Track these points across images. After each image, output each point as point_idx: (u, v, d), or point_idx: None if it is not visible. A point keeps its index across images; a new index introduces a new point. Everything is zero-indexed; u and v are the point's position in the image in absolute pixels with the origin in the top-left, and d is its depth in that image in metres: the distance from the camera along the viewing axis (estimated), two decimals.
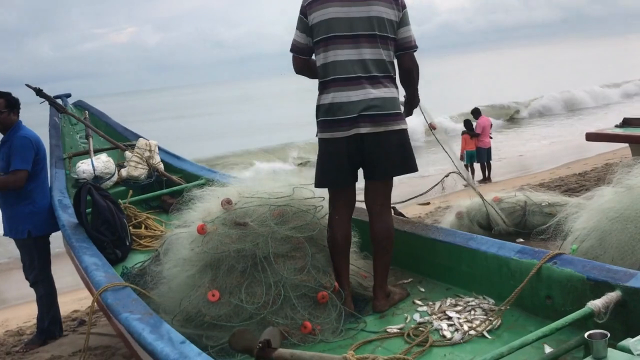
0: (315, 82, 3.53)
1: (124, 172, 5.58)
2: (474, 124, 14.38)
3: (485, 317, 3.15)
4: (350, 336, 3.21)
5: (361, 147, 3.37)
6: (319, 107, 3.47)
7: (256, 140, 22.85)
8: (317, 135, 3.52)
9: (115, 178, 5.55)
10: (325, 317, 3.21)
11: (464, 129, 14.53)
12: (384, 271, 3.48)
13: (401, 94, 3.59)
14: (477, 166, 13.77)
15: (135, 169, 5.51)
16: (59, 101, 6.38)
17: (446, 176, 4.66)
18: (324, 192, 3.58)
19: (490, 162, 13.75)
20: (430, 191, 4.69)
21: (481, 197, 4.95)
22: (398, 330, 3.17)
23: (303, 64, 3.61)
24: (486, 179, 13.35)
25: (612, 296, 2.69)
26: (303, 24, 3.49)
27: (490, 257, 3.36)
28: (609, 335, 2.24)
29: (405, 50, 3.46)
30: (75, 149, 6.05)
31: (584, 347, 2.55)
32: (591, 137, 6.25)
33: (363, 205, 3.61)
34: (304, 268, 3.25)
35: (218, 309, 3.13)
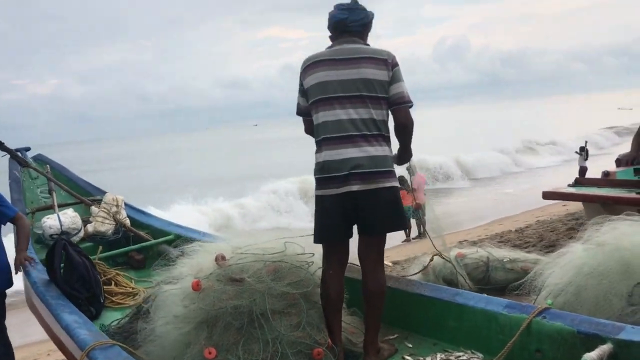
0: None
1: (90, 227, 5.49)
2: (409, 180, 14.62)
3: None
4: None
5: (354, 204, 3.45)
6: (315, 166, 3.58)
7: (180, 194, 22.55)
8: (315, 192, 3.62)
9: (81, 234, 5.45)
10: None
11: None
12: (375, 327, 3.53)
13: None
14: (412, 222, 13.92)
15: (102, 225, 5.43)
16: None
17: (431, 260, 4.84)
18: (313, 247, 3.64)
19: (425, 217, 13.99)
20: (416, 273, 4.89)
21: (451, 262, 5.05)
22: None
23: (309, 124, 3.73)
24: (421, 235, 13.58)
25: (604, 349, 2.81)
26: (301, 88, 3.67)
27: (479, 311, 3.46)
28: None
29: (398, 105, 3.58)
30: (36, 204, 5.92)
31: None
32: (547, 195, 6.54)
33: (352, 262, 3.69)
34: (300, 324, 3.28)
35: None
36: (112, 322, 4.22)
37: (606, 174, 6.38)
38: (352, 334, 3.69)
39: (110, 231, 5.49)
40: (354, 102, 3.49)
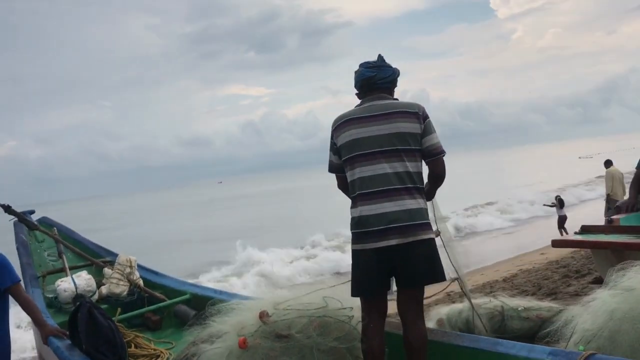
0: None
1: (104, 289, 5.43)
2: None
3: None
4: None
5: (390, 257, 3.50)
6: (352, 220, 3.63)
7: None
8: (352, 247, 3.66)
9: (96, 296, 5.38)
10: None
11: None
12: None
13: None
14: None
15: (117, 286, 5.37)
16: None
17: (452, 281, 4.80)
18: (349, 301, 3.65)
19: None
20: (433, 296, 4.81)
21: (471, 304, 5.09)
22: None
23: (342, 180, 3.84)
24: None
25: None
26: (332, 146, 3.78)
27: None
28: None
29: (433, 157, 3.69)
30: (44, 267, 5.85)
31: None
32: (557, 243, 6.62)
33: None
34: None
35: None
36: None
37: (610, 221, 6.48)
38: None
39: (125, 292, 5.43)
40: (388, 157, 3.58)
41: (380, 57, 3.83)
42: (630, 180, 7.32)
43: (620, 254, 5.83)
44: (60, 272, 5.65)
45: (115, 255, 5.98)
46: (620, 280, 4.07)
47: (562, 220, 17.36)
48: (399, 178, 3.56)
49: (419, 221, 3.55)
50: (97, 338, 4.23)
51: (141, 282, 5.61)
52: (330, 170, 3.84)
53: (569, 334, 4.11)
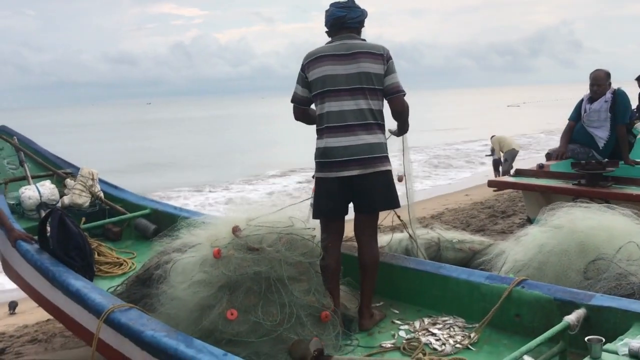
0: None
1: (66, 199, 5.61)
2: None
3: (463, 333, 3.70)
4: (349, 351, 3.64)
5: (350, 185, 3.89)
6: (316, 150, 3.99)
7: None
8: (313, 175, 4.02)
9: (59, 205, 5.57)
10: (327, 334, 3.60)
11: None
12: (370, 294, 3.97)
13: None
14: None
15: (80, 197, 5.57)
16: None
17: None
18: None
19: None
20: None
21: (412, 237, 5.51)
22: (392, 345, 3.64)
23: (301, 113, 4.16)
24: None
25: (580, 312, 3.31)
26: (302, 80, 4.05)
27: (462, 282, 3.93)
28: (604, 339, 2.85)
29: (393, 95, 4.01)
30: (3, 175, 5.96)
31: (560, 356, 3.18)
32: (493, 184, 7.16)
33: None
34: (310, 290, 3.65)
35: (237, 326, 3.43)
36: (108, 289, 4.42)
37: (541, 166, 7.04)
38: (346, 300, 4.08)
39: (87, 204, 5.64)
40: (354, 94, 3.91)
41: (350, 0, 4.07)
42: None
43: (548, 197, 6.38)
44: (22, 180, 5.79)
45: (75, 167, 6.15)
46: (550, 219, 4.55)
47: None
48: (362, 114, 3.90)
49: (378, 154, 3.92)
50: (67, 244, 4.46)
51: (102, 195, 5.82)
52: (293, 100, 4.13)
53: (501, 264, 4.59)
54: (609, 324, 3.24)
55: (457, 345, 3.56)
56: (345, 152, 3.87)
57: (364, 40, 4.06)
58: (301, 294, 3.59)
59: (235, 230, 3.67)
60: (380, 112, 4.01)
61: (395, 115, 4.13)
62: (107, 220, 5.62)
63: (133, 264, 5.09)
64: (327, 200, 3.97)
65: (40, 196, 5.42)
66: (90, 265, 4.57)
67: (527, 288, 3.65)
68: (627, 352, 2.79)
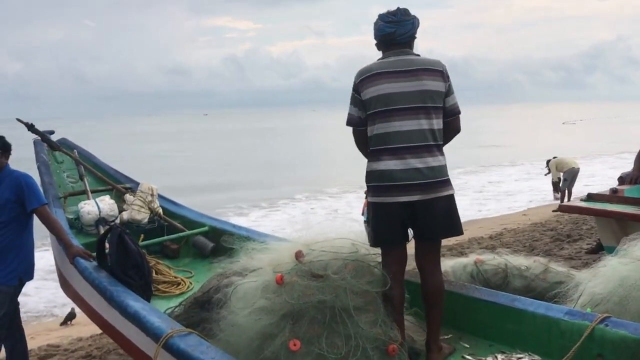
0: None
1: (125, 215, 5.56)
2: None
3: None
4: None
5: (412, 211, 3.67)
6: (372, 173, 3.76)
7: None
8: (368, 198, 3.81)
9: (117, 221, 5.52)
10: None
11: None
12: (437, 326, 3.75)
13: None
14: None
15: (139, 213, 5.51)
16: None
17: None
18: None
19: None
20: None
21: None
22: None
23: (361, 135, 3.88)
24: None
25: None
26: (356, 100, 3.81)
27: (539, 317, 3.68)
28: None
29: (454, 116, 3.84)
30: (63, 189, 5.95)
31: None
32: (564, 208, 6.86)
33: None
34: (376, 321, 3.44)
35: (300, 358, 3.25)
36: (166, 310, 4.31)
37: (614, 190, 6.70)
38: (412, 332, 3.87)
39: (146, 220, 5.58)
40: (416, 113, 3.69)
41: (399, 10, 3.84)
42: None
43: (623, 224, 6.05)
44: (81, 194, 5.77)
45: (134, 182, 6.10)
46: (631, 250, 4.26)
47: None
48: (425, 135, 3.69)
49: (440, 178, 3.71)
50: (126, 262, 4.39)
51: (161, 211, 5.74)
52: (349, 123, 3.89)
53: (577, 296, 4.31)
54: None
55: None
56: (405, 175, 3.64)
57: (419, 55, 3.85)
58: (367, 326, 3.38)
59: (299, 255, 3.51)
60: (441, 132, 3.80)
61: (452, 134, 3.91)
62: (166, 237, 5.55)
63: (191, 283, 4.98)
64: (386, 228, 3.74)
65: (100, 211, 5.38)
66: (149, 284, 4.48)
67: (612, 326, 3.39)
68: None
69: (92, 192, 5.78)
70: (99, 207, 5.38)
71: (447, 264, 6.10)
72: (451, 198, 3.78)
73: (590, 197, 6.50)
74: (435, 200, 3.67)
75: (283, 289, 3.38)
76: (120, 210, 5.66)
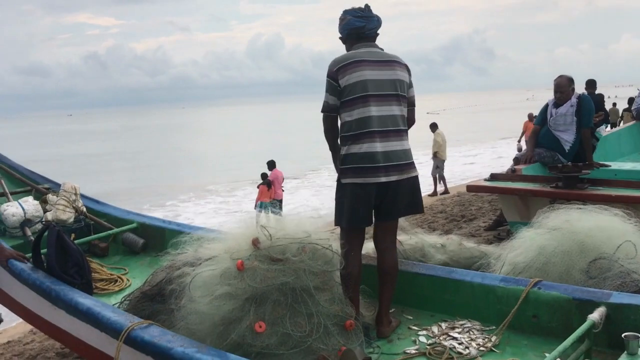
0: None
1: (49, 215, 5.42)
2: (269, 175, 15.59)
3: (483, 336, 3.76)
4: (375, 359, 3.66)
5: (385, 191, 3.91)
6: (349, 155, 3.94)
7: None
8: (342, 180, 3.99)
9: (43, 222, 5.38)
10: (351, 343, 3.60)
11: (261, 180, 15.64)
12: (388, 301, 4.00)
13: None
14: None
15: (64, 213, 5.39)
16: None
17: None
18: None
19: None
20: None
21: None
22: (416, 351, 3.67)
23: (332, 121, 4.07)
24: None
25: (602, 310, 3.42)
26: (332, 87, 3.98)
27: (476, 286, 3.99)
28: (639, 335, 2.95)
29: (413, 106, 4.14)
30: None
31: (585, 354, 3.27)
32: (472, 188, 7.32)
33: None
34: (333, 299, 3.64)
35: (266, 339, 3.39)
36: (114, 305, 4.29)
37: (513, 170, 7.22)
38: (363, 308, 4.08)
39: (72, 219, 5.47)
40: (392, 100, 3.98)
41: (367, 7, 4.09)
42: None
43: (525, 200, 6.55)
44: (2, 196, 5.58)
45: (54, 182, 5.97)
46: (545, 221, 4.67)
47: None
48: (397, 121, 3.99)
49: (411, 160, 4.03)
50: (66, 261, 4.33)
51: (85, 210, 5.66)
52: (326, 110, 4.04)
53: (500, 266, 4.68)
54: (630, 321, 3.33)
55: (481, 348, 3.61)
56: (385, 157, 3.89)
57: (382, 49, 4.10)
58: (327, 304, 3.58)
59: (256, 242, 3.64)
60: (406, 119, 4.10)
61: (408, 125, 4.17)
62: (95, 235, 5.47)
63: (128, 280, 4.97)
64: (364, 207, 3.92)
65: (25, 213, 5.23)
66: (90, 282, 4.44)
67: (544, 289, 3.74)
68: None
69: (12, 194, 5.61)
70: (23, 209, 5.24)
71: (369, 246, 6.39)
72: (417, 179, 4.09)
73: (493, 177, 6.96)
74: (406, 180, 3.96)
75: (245, 274, 3.51)
76: (44, 211, 5.52)
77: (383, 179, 3.86)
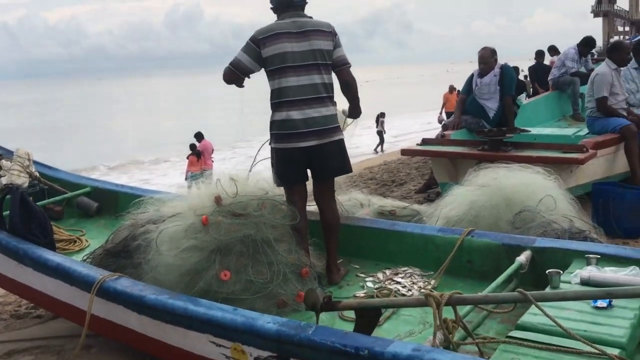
0: None
1: (4, 180, 5.54)
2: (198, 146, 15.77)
3: (423, 280, 4.20)
4: None
5: (309, 155, 4.27)
6: (274, 122, 4.31)
7: None
8: (271, 145, 4.33)
9: None
10: (308, 288, 3.96)
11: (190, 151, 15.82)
12: (335, 251, 4.39)
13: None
14: None
15: (19, 178, 5.52)
16: None
17: None
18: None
19: None
20: None
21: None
22: (365, 294, 4.08)
23: (238, 79, 4.39)
24: None
25: (528, 254, 3.90)
26: (254, 52, 4.29)
27: (416, 236, 4.42)
28: (562, 272, 3.42)
29: (341, 67, 4.43)
30: None
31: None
32: (406, 152, 7.78)
33: None
34: (290, 250, 4.01)
35: (231, 286, 3.73)
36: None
37: (442, 135, 7.75)
38: (314, 259, 4.45)
39: (26, 184, 5.61)
40: (310, 69, 4.27)
41: None
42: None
43: (454, 162, 7.05)
44: None
45: (5, 149, 6.07)
46: (474, 180, 5.13)
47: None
48: (317, 88, 4.30)
49: (332, 125, 4.34)
50: (30, 222, 4.52)
51: (38, 175, 5.80)
52: (235, 66, 4.32)
53: (435, 220, 5.12)
54: (552, 262, 3.78)
55: (422, 290, 4.04)
56: (303, 124, 4.22)
57: (311, 17, 4.40)
58: (285, 253, 3.95)
59: (218, 199, 3.96)
60: (332, 85, 4.42)
61: (344, 86, 4.49)
62: (51, 199, 5.64)
63: (87, 240, 5.19)
64: (289, 169, 4.31)
65: None
66: (53, 242, 4.65)
67: (477, 237, 4.20)
68: (578, 281, 3.37)
69: None
70: None
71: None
72: (342, 142, 4.43)
73: (425, 142, 7.45)
74: (328, 145, 4.29)
75: (209, 228, 3.83)
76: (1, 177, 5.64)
77: (302, 144, 4.23)
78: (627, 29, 73.88)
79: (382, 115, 24.10)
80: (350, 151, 4.56)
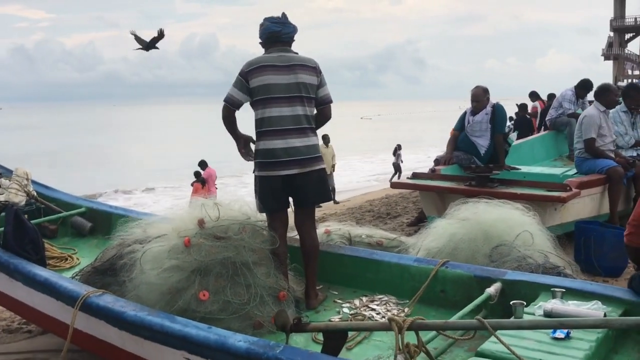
0: None
1: (2, 198, 5.73)
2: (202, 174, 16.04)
3: (398, 308, 4.34)
4: None
5: (291, 183, 4.44)
6: (257, 151, 4.50)
7: None
8: (254, 172, 4.52)
9: None
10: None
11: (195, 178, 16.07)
12: (313, 276, 4.54)
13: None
14: None
15: (16, 196, 5.70)
16: None
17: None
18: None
19: None
20: None
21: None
22: (340, 320, 4.22)
23: (232, 114, 4.57)
24: None
25: (497, 285, 4.04)
26: (243, 85, 4.49)
27: (393, 265, 4.57)
28: (525, 303, 3.56)
29: (325, 104, 4.67)
30: None
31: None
32: (395, 185, 7.96)
33: None
34: (269, 273, 4.17)
35: (209, 306, 3.88)
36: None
37: (433, 170, 7.94)
38: (294, 283, 4.60)
39: (23, 203, 5.79)
40: (293, 101, 4.46)
41: (283, 15, 4.62)
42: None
43: (442, 196, 7.21)
44: None
45: (5, 168, 6.26)
46: (456, 214, 5.29)
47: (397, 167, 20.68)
48: (300, 119, 4.48)
49: (314, 155, 4.53)
50: (23, 238, 4.69)
51: (36, 194, 5.99)
52: (228, 101, 4.50)
53: (416, 252, 5.27)
54: (520, 295, 3.91)
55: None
56: (285, 153, 4.40)
57: (297, 53, 4.61)
58: (263, 277, 4.11)
59: (201, 222, 4.13)
60: (313, 117, 4.61)
61: (323, 120, 4.71)
62: (46, 218, 5.82)
63: (78, 258, 5.35)
64: (272, 197, 4.47)
65: None
66: (44, 259, 4.81)
67: (451, 268, 4.34)
68: (542, 313, 3.51)
69: None
70: None
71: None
72: (322, 171, 4.62)
73: (415, 176, 7.63)
74: (310, 173, 4.47)
75: (191, 250, 4.00)
76: None
77: (284, 172, 4.40)
78: (636, 72, 74.49)
79: (399, 147, 24.27)
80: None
